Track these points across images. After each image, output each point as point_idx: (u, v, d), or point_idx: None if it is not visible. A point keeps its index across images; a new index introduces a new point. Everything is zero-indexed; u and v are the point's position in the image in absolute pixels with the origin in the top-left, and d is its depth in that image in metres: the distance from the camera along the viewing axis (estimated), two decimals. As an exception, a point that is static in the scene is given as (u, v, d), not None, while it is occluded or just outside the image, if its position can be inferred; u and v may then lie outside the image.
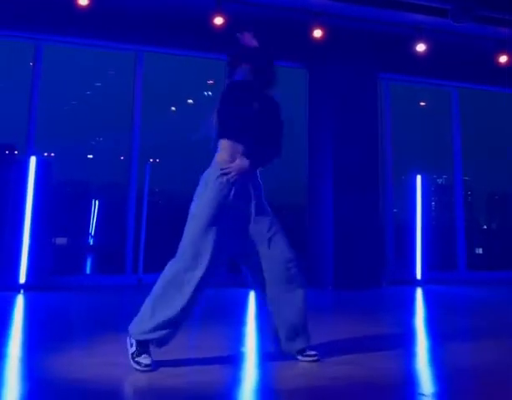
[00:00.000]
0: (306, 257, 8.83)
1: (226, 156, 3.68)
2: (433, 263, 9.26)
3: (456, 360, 4.01)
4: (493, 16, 8.79)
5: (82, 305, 6.83)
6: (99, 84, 10.48)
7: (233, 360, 3.84)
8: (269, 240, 3.70)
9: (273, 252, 3.69)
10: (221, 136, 3.73)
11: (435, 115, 10.88)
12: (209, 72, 9.85)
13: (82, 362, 3.66)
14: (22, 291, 7.27)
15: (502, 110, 11.03)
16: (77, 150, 9.69)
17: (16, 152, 9.30)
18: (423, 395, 3.12)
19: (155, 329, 3.47)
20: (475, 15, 8.45)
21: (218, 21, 8.14)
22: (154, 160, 9.57)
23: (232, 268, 6.90)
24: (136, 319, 3.56)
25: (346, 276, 8.35)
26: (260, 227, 3.70)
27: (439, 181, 11.65)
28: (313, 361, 3.71)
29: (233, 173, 3.61)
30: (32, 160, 7.69)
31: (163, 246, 8.87)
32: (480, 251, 11.66)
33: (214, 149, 3.77)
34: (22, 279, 7.37)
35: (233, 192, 3.62)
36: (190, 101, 11.03)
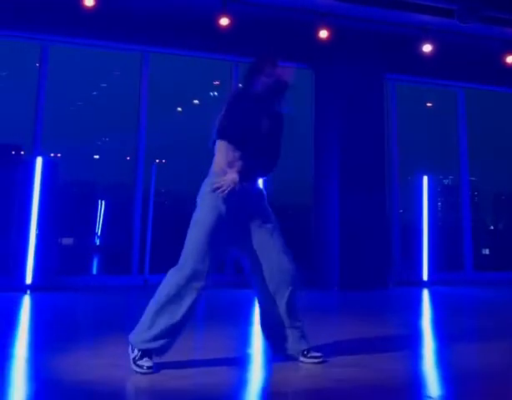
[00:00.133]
0: (312, 257, 8.82)
1: (223, 163, 3.65)
2: (439, 264, 9.24)
3: (463, 362, 3.99)
4: (499, 16, 8.76)
5: (89, 305, 6.84)
6: (105, 85, 10.50)
7: (239, 361, 3.83)
8: (270, 246, 3.72)
9: (273, 257, 3.71)
10: (223, 137, 3.69)
11: (442, 115, 10.85)
12: (215, 73, 9.86)
13: (89, 363, 3.66)
14: (28, 291, 7.28)
15: (508, 110, 11.00)
16: (83, 150, 9.70)
17: (22, 153, 9.33)
18: (430, 397, 3.11)
19: (155, 338, 3.48)
20: (481, 15, 8.43)
21: (224, 21, 8.14)
22: (160, 160, 9.58)
23: (238, 269, 6.90)
24: (136, 329, 3.56)
25: (352, 276, 8.34)
26: (261, 235, 3.71)
27: (446, 181, 11.62)
28: (318, 362, 3.70)
29: (224, 188, 3.58)
30: (39, 160, 7.70)
31: (169, 246, 8.87)
32: (487, 251, 11.62)
33: (212, 148, 3.76)
34: (29, 280, 7.39)
35: (229, 202, 3.61)
36: (196, 101, 11.04)
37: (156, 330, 3.48)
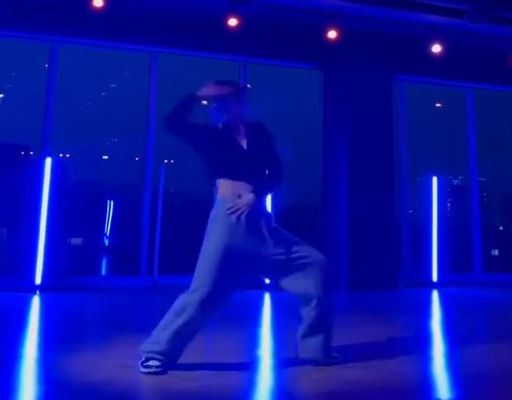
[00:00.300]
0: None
1: (229, 194, 3.64)
2: (449, 265, 9.20)
3: (473, 364, 3.97)
4: (509, 16, 8.71)
5: (97, 306, 6.86)
6: (114, 85, 10.52)
7: (249, 363, 3.82)
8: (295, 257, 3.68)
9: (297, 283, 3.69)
10: (216, 177, 3.71)
11: (451, 116, 10.81)
12: (224, 73, 9.85)
13: (98, 364, 3.67)
14: (37, 292, 7.31)
15: (518, 111, 10.94)
16: (92, 151, 9.73)
17: (31, 153, 9.37)
18: (440, 400, 3.10)
19: (164, 349, 3.48)
20: (491, 16, 8.38)
21: (233, 22, 8.14)
22: (169, 161, 9.58)
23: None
24: (149, 339, 3.56)
25: (361, 277, 8.31)
26: (279, 251, 3.66)
27: (455, 182, 11.57)
28: (336, 363, 3.69)
29: (242, 210, 3.58)
30: (48, 161, 7.73)
31: (178, 247, 8.89)
32: (496, 252, 11.56)
33: (212, 188, 3.76)
34: (38, 280, 7.42)
35: (243, 226, 3.59)
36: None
37: (163, 346, 3.48)
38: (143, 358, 3.48)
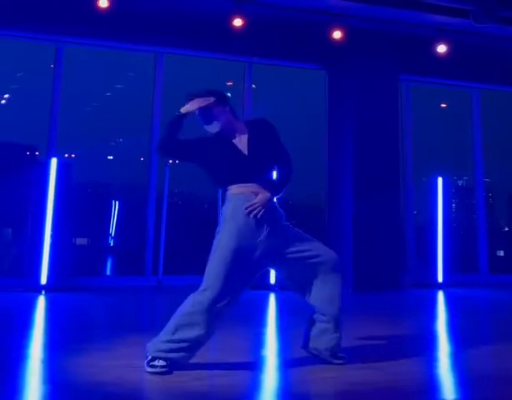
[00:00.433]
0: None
1: (243, 193, 3.64)
2: (454, 266, 9.18)
3: (479, 365, 3.96)
4: (515, 17, 8.69)
5: (103, 306, 6.87)
6: (119, 86, 10.53)
7: (255, 363, 3.82)
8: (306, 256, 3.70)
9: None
10: (222, 186, 3.74)
11: (456, 116, 10.79)
12: (228, 74, 9.85)
13: (103, 365, 3.66)
14: (43, 292, 7.32)
15: (524, 111, 10.92)
16: (97, 151, 9.74)
17: (37, 154, 9.39)
18: (445, 401, 3.09)
19: (171, 351, 3.47)
20: (497, 16, 8.36)
21: (238, 22, 8.14)
22: (174, 161, 9.58)
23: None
24: (154, 339, 3.55)
25: (366, 278, 8.29)
26: (292, 248, 3.67)
27: (460, 183, 11.55)
28: (341, 364, 3.69)
29: (259, 208, 3.58)
30: (53, 161, 7.75)
31: (183, 247, 8.89)
32: (502, 253, 11.53)
33: (224, 194, 3.75)
34: (44, 280, 7.43)
35: (254, 225, 3.58)
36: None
37: (172, 345, 3.47)
38: (149, 357, 3.48)
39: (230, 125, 3.77)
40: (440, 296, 8.26)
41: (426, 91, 10.39)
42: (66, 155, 9.12)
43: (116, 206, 9.90)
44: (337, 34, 8.51)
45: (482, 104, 10.32)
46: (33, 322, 5.78)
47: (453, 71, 9.52)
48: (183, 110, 3.75)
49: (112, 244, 9.95)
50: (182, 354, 3.48)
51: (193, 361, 3.56)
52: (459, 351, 4.54)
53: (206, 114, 3.74)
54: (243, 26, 8.16)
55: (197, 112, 3.75)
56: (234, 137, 3.75)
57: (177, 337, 3.48)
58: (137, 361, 3.61)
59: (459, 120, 10.64)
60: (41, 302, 6.82)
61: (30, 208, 8.09)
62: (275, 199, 3.75)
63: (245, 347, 4.36)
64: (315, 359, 3.73)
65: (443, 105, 11.13)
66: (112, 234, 9.85)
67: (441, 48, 8.97)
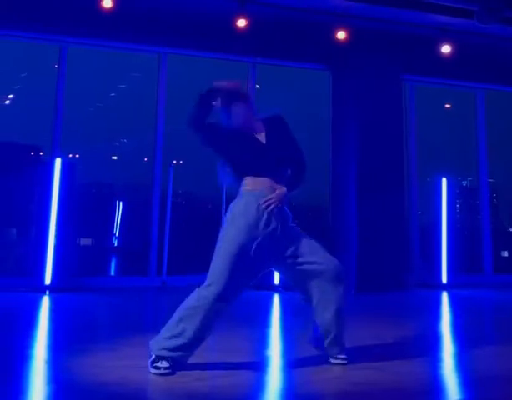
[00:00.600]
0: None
1: (260, 188, 3.66)
2: (458, 266, 9.16)
3: (483, 366, 3.95)
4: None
5: (107, 306, 6.87)
6: (123, 86, 10.55)
7: (258, 363, 3.82)
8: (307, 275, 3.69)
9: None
10: (240, 175, 3.74)
11: (460, 117, 10.77)
12: (232, 74, 9.85)
13: (107, 365, 3.67)
14: (47, 292, 7.33)
15: (528, 112, 10.90)
16: (101, 151, 9.75)
17: (41, 154, 9.41)
18: (450, 402, 3.09)
19: (174, 349, 3.48)
20: (501, 16, 8.34)
21: (241, 23, 8.14)
22: (178, 162, 9.60)
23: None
24: (157, 336, 3.56)
25: (370, 279, 8.27)
26: (293, 250, 3.68)
27: (464, 183, 11.54)
28: (342, 364, 3.69)
29: (275, 204, 3.61)
30: (58, 161, 7.75)
31: (187, 248, 8.90)
32: (506, 254, 11.52)
33: (238, 188, 3.76)
34: (48, 280, 7.44)
35: (263, 222, 3.60)
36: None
37: (175, 341, 3.48)
38: (153, 357, 3.48)
39: (249, 123, 3.81)
40: (444, 296, 8.24)
41: (430, 91, 10.37)
42: (70, 155, 9.13)
43: (120, 206, 9.92)
44: (341, 34, 8.52)
45: (486, 104, 10.29)
46: (37, 322, 5.78)
47: (457, 71, 9.50)
48: (217, 85, 3.80)
49: (116, 244, 9.97)
50: (183, 352, 3.49)
51: (196, 361, 3.57)
52: (464, 351, 4.53)
53: (228, 108, 3.80)
54: (246, 26, 8.16)
55: (227, 92, 3.80)
56: (254, 131, 3.80)
57: (180, 329, 3.48)
58: (141, 361, 3.61)
59: (463, 120, 10.63)
60: (45, 302, 6.82)
61: (34, 208, 8.10)
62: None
63: (248, 348, 4.36)
64: (319, 359, 3.73)
65: (447, 105, 11.12)
66: (116, 234, 9.87)
67: (445, 49, 8.96)
